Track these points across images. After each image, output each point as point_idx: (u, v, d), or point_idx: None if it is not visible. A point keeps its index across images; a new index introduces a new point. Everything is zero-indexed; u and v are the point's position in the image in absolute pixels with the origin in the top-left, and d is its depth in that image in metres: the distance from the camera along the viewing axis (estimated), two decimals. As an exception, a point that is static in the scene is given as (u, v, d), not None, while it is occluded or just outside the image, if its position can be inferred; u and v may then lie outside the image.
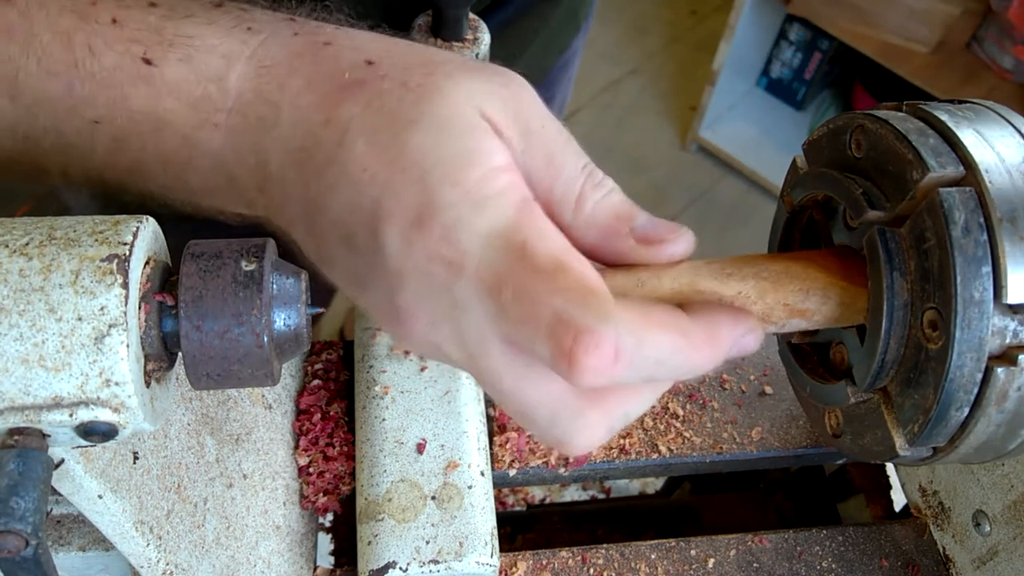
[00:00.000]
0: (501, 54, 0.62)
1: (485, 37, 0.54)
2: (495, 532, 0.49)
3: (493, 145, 0.31)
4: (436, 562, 0.47)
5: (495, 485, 0.54)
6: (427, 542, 0.48)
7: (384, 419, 0.52)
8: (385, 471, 0.50)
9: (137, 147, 0.34)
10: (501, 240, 0.29)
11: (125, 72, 0.33)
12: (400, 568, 0.47)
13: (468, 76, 0.32)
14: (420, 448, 0.51)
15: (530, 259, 0.29)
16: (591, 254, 0.33)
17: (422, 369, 0.54)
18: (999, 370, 0.31)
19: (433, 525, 0.48)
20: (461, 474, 0.50)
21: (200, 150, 0.34)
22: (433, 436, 0.51)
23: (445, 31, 0.53)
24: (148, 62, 0.33)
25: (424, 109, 0.31)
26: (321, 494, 0.53)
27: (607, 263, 0.34)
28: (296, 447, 0.54)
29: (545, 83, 0.82)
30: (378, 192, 0.30)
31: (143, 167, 0.35)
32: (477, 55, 0.54)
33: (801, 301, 0.36)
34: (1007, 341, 0.32)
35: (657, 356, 0.29)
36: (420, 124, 0.30)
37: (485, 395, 0.57)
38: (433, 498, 0.49)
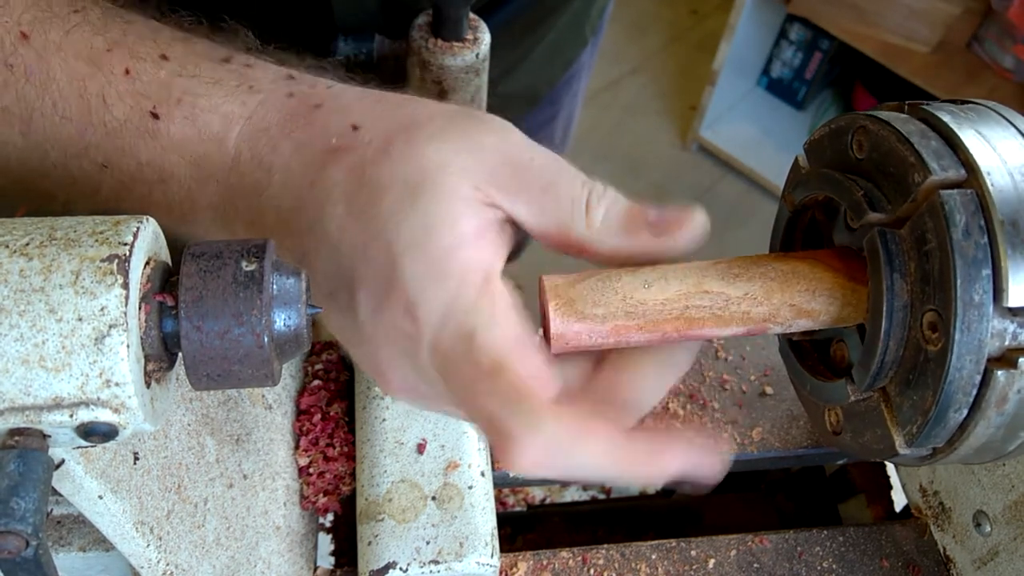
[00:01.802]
0: (503, 60, 0.62)
1: (485, 37, 0.54)
2: (495, 532, 0.49)
3: (464, 210, 0.31)
4: (436, 562, 0.47)
5: (495, 485, 0.54)
6: (427, 542, 0.48)
7: (384, 419, 0.52)
8: (385, 471, 0.50)
9: (142, 193, 0.36)
10: (455, 323, 0.30)
11: (134, 125, 0.34)
12: (400, 568, 0.47)
13: (448, 137, 0.32)
14: (420, 448, 0.51)
15: (474, 353, 0.30)
16: (612, 259, 0.34)
17: None
18: (999, 373, 0.31)
19: (433, 525, 0.48)
20: (461, 474, 0.50)
21: (201, 203, 0.35)
22: (433, 436, 0.51)
23: (445, 31, 0.53)
24: (156, 116, 0.34)
25: (399, 176, 0.31)
26: (321, 494, 0.53)
27: (632, 264, 0.34)
28: (296, 447, 0.54)
29: (550, 96, 0.82)
30: (354, 256, 0.31)
31: (147, 211, 0.35)
32: (477, 55, 0.54)
33: (808, 301, 0.36)
34: (1007, 344, 0.32)
35: (589, 464, 0.30)
36: (393, 191, 0.31)
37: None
38: (433, 498, 0.49)
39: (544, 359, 0.32)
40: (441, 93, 0.55)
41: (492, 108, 0.62)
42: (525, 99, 0.78)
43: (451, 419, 0.52)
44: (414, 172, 0.31)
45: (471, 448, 0.51)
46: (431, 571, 0.47)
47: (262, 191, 0.34)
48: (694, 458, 0.32)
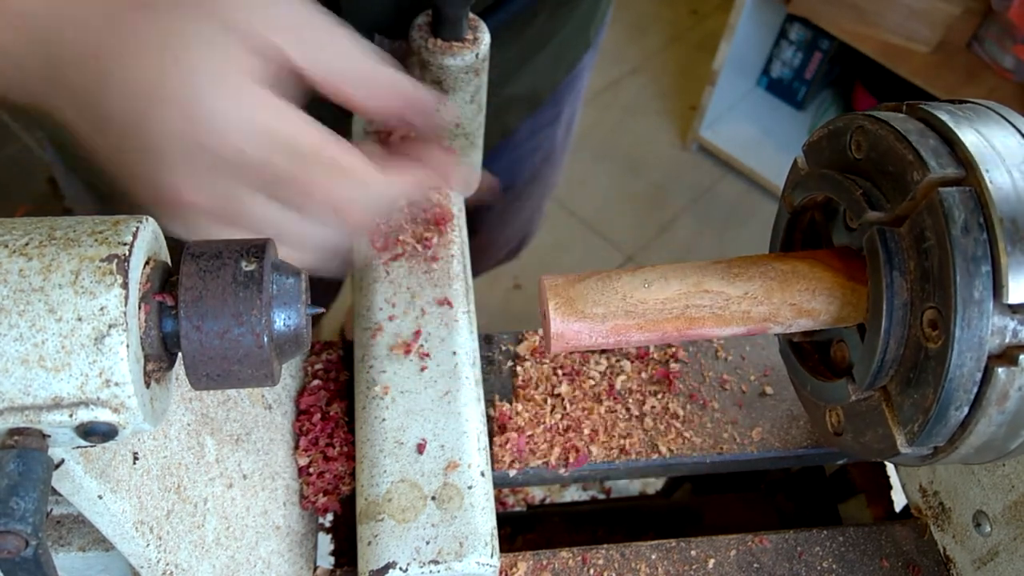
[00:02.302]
0: (504, 61, 0.62)
1: (485, 37, 0.54)
2: (495, 532, 0.49)
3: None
4: (436, 562, 0.47)
5: (495, 485, 0.54)
6: (427, 542, 0.48)
7: (384, 419, 0.52)
8: (385, 471, 0.50)
9: None
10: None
11: None
12: (400, 568, 0.47)
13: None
14: (420, 448, 0.51)
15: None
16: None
17: (422, 369, 0.54)
18: (999, 370, 0.31)
19: (433, 525, 0.48)
20: (461, 474, 0.50)
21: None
22: (433, 436, 0.51)
23: (445, 31, 0.53)
24: None
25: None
26: (321, 494, 0.53)
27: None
28: (296, 447, 0.54)
29: (553, 98, 0.82)
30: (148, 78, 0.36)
31: None
32: (477, 55, 0.54)
33: (808, 301, 0.36)
34: (1007, 341, 0.32)
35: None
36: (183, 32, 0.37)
37: (485, 395, 0.57)
38: (433, 498, 0.49)
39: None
40: (441, 93, 0.56)
41: (494, 109, 0.63)
42: (527, 101, 0.78)
43: (451, 419, 0.52)
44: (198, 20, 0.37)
45: (471, 448, 0.51)
46: (431, 571, 0.47)
47: (58, 37, 0.37)
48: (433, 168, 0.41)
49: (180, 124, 0.36)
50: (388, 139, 0.54)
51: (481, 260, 1.08)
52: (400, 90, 0.43)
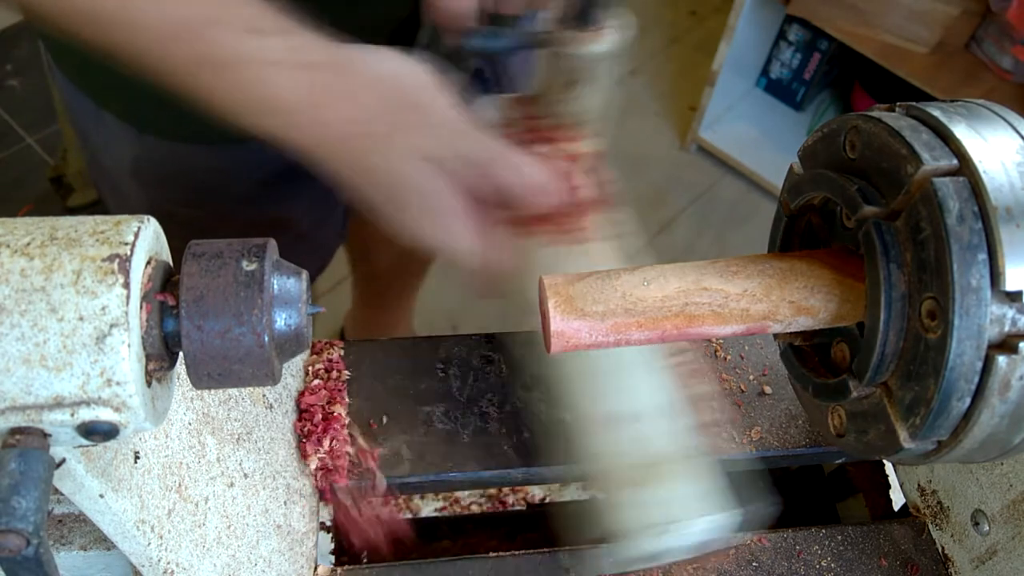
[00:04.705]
0: None
1: (616, 27, 0.56)
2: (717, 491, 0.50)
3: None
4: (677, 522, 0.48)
5: (495, 484, 0.54)
6: (668, 505, 0.49)
7: (612, 390, 0.52)
8: (627, 440, 0.51)
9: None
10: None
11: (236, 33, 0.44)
12: (653, 531, 0.48)
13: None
14: (643, 421, 0.52)
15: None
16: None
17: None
18: (1000, 358, 0.31)
19: (670, 490, 0.49)
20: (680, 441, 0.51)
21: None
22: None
23: (582, 21, 0.55)
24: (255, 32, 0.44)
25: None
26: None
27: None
28: (296, 447, 0.54)
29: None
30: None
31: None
32: (610, 45, 0.56)
33: (806, 298, 0.36)
34: (1006, 329, 0.32)
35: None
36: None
37: (485, 395, 0.57)
38: (668, 466, 0.50)
39: None
40: (572, 83, 0.57)
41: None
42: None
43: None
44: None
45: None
46: (673, 532, 0.48)
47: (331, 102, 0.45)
48: None
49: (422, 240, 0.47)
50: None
51: None
52: (565, 187, 0.50)
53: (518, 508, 0.90)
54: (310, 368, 0.59)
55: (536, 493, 0.95)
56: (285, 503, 0.51)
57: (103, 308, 0.28)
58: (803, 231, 0.44)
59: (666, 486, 0.49)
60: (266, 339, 0.31)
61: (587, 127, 0.61)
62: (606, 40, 0.55)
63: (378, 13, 0.64)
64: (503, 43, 0.57)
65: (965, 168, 0.32)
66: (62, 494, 0.33)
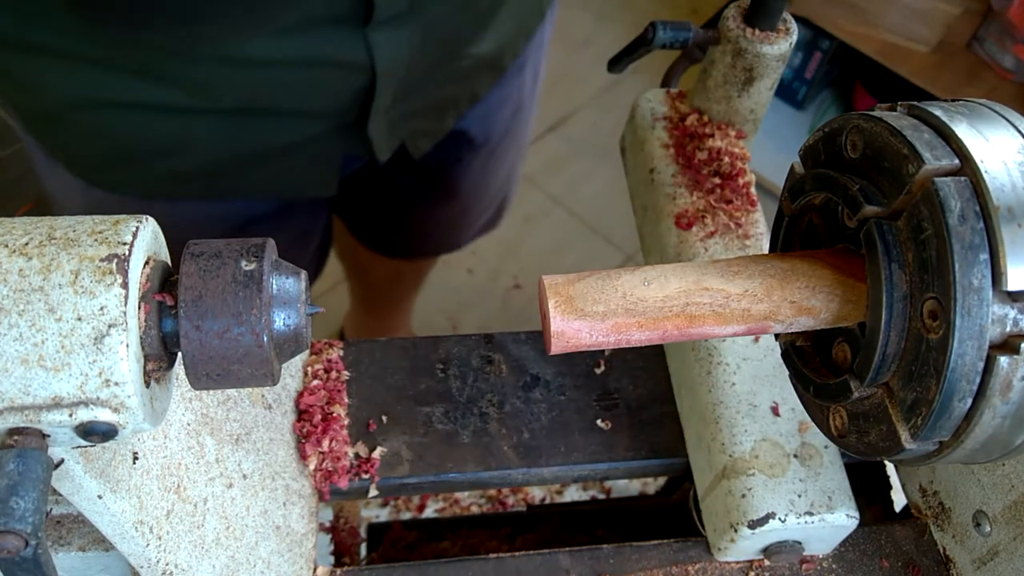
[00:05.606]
0: (468, 19, 0.66)
1: (795, 27, 0.59)
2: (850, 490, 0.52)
3: None
4: (810, 513, 0.51)
5: (494, 485, 0.54)
6: (799, 496, 0.51)
7: (734, 383, 0.55)
8: (746, 431, 0.53)
9: None
10: None
11: None
12: (779, 519, 0.50)
13: None
14: (774, 410, 0.54)
15: None
16: None
17: (756, 339, 0.56)
18: (1002, 359, 0.31)
19: (801, 480, 0.52)
20: (815, 434, 0.53)
21: None
22: (782, 400, 0.55)
23: (762, 21, 0.58)
24: None
25: None
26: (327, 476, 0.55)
27: None
28: (295, 448, 0.54)
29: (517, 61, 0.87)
30: None
31: None
32: (790, 44, 0.58)
33: (807, 298, 0.36)
34: (1008, 329, 0.31)
35: None
36: None
37: (483, 395, 0.57)
38: (795, 456, 0.53)
39: None
40: (749, 80, 0.60)
41: (464, 72, 0.72)
42: (493, 65, 0.83)
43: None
44: None
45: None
46: (806, 522, 0.51)
47: None
48: None
49: None
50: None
51: (463, 228, 1.11)
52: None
53: (518, 509, 0.90)
54: (309, 368, 0.59)
55: (536, 494, 0.95)
56: (284, 504, 0.51)
57: (101, 308, 0.28)
58: (804, 231, 0.44)
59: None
60: (265, 339, 0.31)
61: (749, 125, 0.64)
62: (786, 40, 0.58)
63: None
64: (685, 36, 0.63)
65: (967, 168, 0.32)
66: (60, 495, 0.33)
